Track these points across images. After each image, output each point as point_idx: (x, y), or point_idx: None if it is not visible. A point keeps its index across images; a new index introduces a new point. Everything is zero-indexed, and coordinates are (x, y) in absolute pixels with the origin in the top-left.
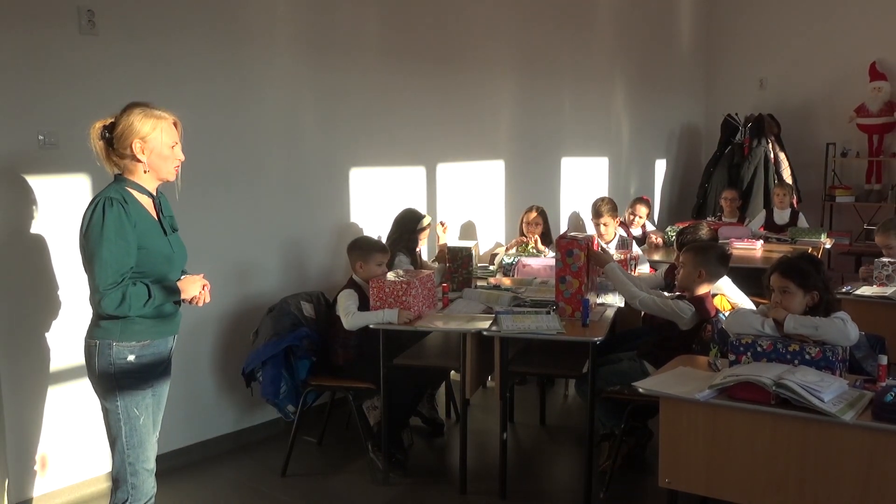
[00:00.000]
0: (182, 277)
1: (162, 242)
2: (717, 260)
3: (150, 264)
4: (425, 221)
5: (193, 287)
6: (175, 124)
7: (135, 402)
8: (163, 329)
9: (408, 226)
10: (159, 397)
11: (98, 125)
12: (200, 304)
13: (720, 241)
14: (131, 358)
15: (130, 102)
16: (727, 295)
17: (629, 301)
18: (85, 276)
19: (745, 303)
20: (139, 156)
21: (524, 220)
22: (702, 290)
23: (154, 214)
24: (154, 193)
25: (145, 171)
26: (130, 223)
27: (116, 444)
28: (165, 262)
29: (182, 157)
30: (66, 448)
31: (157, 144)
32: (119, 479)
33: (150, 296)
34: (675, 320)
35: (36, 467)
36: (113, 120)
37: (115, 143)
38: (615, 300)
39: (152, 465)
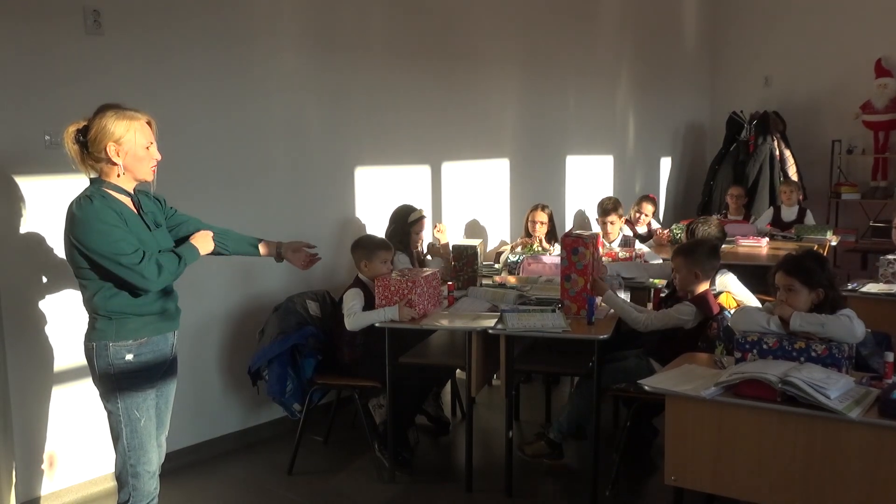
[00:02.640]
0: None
1: (147, 236)
2: (707, 256)
3: None
4: (415, 214)
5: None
6: (149, 124)
7: (135, 404)
8: (161, 326)
9: (400, 220)
10: (166, 396)
11: (71, 129)
12: None
13: (726, 239)
14: (129, 357)
15: (102, 104)
16: (733, 292)
17: (633, 325)
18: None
19: (751, 300)
20: (114, 158)
21: (529, 219)
22: (701, 287)
23: (134, 211)
24: (132, 193)
25: (119, 175)
26: (115, 212)
27: (118, 446)
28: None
29: (159, 157)
30: (73, 447)
31: (132, 146)
32: (121, 480)
33: (179, 256)
34: (681, 325)
35: (43, 466)
36: (86, 123)
37: (89, 146)
38: (622, 296)
39: (154, 466)
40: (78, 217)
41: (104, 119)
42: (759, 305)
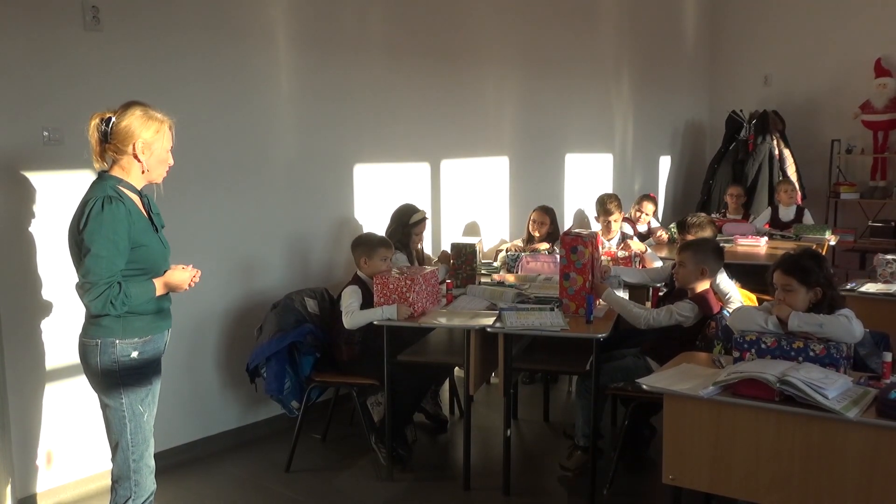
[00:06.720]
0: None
1: (155, 239)
2: (714, 254)
3: (150, 261)
4: (417, 216)
5: (180, 274)
6: (170, 128)
7: (139, 399)
8: (161, 324)
9: (401, 220)
10: (154, 394)
11: (97, 118)
12: (188, 287)
13: (724, 238)
14: (135, 355)
15: (130, 101)
16: (718, 282)
17: (634, 323)
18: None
19: (733, 292)
20: (140, 157)
21: (530, 218)
22: (702, 286)
23: (144, 213)
24: (141, 193)
25: (143, 172)
26: (130, 221)
27: (120, 442)
28: (162, 257)
29: (171, 162)
30: (70, 444)
31: (158, 148)
32: (122, 477)
33: (127, 295)
34: (681, 323)
35: (40, 463)
36: (112, 115)
37: (113, 138)
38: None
39: (153, 462)
40: (95, 215)
41: (134, 117)
42: (738, 292)
